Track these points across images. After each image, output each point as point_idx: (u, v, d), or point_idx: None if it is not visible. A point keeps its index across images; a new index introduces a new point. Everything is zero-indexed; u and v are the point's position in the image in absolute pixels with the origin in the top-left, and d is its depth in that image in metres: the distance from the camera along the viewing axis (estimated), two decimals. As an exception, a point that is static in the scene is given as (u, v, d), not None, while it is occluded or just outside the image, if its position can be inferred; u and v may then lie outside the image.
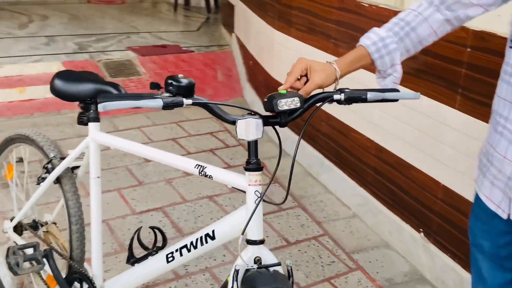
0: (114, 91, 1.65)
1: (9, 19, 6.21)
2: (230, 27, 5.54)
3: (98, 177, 1.73)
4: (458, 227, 2.27)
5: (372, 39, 1.35)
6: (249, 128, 1.20)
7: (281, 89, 1.24)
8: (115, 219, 2.81)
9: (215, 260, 2.53)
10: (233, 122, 1.22)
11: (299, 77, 1.29)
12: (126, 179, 3.23)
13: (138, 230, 1.64)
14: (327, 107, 3.18)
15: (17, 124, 3.92)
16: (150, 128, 4.00)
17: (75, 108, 4.46)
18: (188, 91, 1.20)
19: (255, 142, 1.28)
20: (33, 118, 4.06)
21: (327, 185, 3.26)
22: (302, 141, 3.48)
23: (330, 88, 1.32)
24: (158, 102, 1.12)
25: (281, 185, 3.25)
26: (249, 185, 1.28)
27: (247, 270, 1.26)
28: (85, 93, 1.68)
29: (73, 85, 1.69)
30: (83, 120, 1.72)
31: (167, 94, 1.18)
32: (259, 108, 4.12)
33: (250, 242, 1.28)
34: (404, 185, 2.59)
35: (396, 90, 1.29)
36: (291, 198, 3.12)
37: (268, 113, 1.26)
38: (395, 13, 2.50)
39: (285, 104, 1.18)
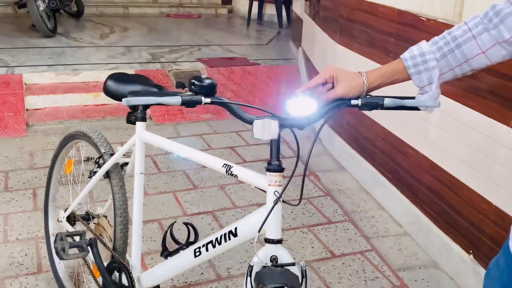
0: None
1: (93, 30, 6.65)
2: (298, 42, 5.61)
3: (141, 173, 1.83)
4: (509, 251, 2.17)
5: (412, 53, 1.28)
6: (264, 128, 1.25)
7: (298, 92, 1.27)
8: (167, 219, 2.93)
9: (257, 265, 2.57)
10: (250, 122, 1.27)
11: (324, 83, 1.32)
12: (183, 182, 3.36)
13: (171, 225, 1.72)
14: (383, 122, 3.16)
15: (89, 126, 4.18)
16: (210, 135, 4.12)
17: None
18: (209, 90, 1.26)
19: (277, 143, 1.32)
20: (105, 122, 4.32)
21: (380, 201, 3.21)
22: (358, 155, 3.46)
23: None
24: (177, 99, 1.19)
25: (333, 198, 3.24)
26: (269, 185, 1.32)
27: (263, 267, 1.30)
28: (134, 95, 1.79)
29: (123, 86, 1.80)
30: (131, 120, 1.83)
31: (189, 93, 1.26)
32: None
33: (268, 240, 1.32)
34: (456, 204, 2.51)
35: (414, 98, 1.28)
36: (342, 212, 3.11)
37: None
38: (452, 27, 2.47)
39: (299, 107, 1.22)
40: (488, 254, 2.31)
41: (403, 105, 1.26)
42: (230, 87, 4.90)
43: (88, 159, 2.27)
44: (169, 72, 4.96)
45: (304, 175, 1.30)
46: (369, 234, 2.90)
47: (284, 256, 1.31)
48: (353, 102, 1.27)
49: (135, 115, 1.82)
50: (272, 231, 1.31)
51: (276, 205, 1.29)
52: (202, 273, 2.51)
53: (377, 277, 2.54)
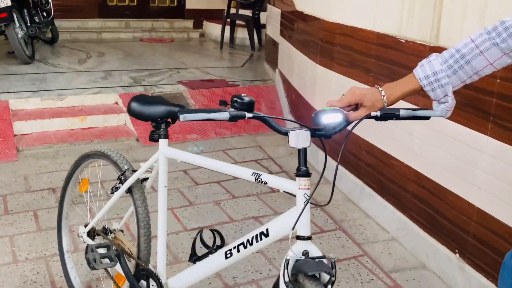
0: (182, 112, 1.91)
1: (70, 55, 6.73)
2: (273, 63, 5.86)
3: (165, 186, 1.99)
4: (492, 248, 2.41)
5: (425, 72, 1.43)
6: (298, 139, 1.44)
7: (326, 106, 1.47)
8: (169, 235, 3.06)
9: (261, 273, 2.73)
10: (286, 133, 1.46)
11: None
12: (178, 200, 3.49)
13: (200, 231, 1.87)
14: (367, 136, 3.40)
15: (78, 149, 4.27)
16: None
17: (130, 136, 4.90)
18: (249, 107, 1.45)
19: (305, 151, 1.50)
20: (92, 144, 4.41)
21: (367, 210, 3.43)
22: (343, 168, 3.68)
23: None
24: (226, 115, 1.37)
25: (323, 209, 3.44)
26: (299, 188, 1.50)
27: (296, 261, 1.47)
28: (156, 114, 1.95)
29: (147, 107, 1.96)
30: (154, 137, 1.99)
31: (232, 110, 1.44)
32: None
33: (299, 237, 1.49)
34: (441, 209, 2.74)
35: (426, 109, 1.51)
36: (332, 221, 3.30)
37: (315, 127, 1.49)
38: (430, 48, 2.73)
39: (328, 119, 1.42)
40: (473, 252, 2.54)
41: (416, 116, 1.48)
42: (213, 107, 5.07)
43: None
44: (153, 95, 5.10)
45: (335, 180, 1.48)
46: (359, 241, 3.10)
47: (314, 251, 1.49)
48: (373, 114, 1.48)
49: (158, 133, 1.98)
50: (303, 229, 1.49)
51: (306, 206, 1.47)
52: (210, 283, 2.64)
53: (372, 279, 2.73)
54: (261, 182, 1.60)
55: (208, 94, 5.25)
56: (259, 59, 7.15)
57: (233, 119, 1.39)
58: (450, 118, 2.59)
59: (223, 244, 1.85)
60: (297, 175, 1.50)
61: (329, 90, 3.84)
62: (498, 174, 2.35)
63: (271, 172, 3.98)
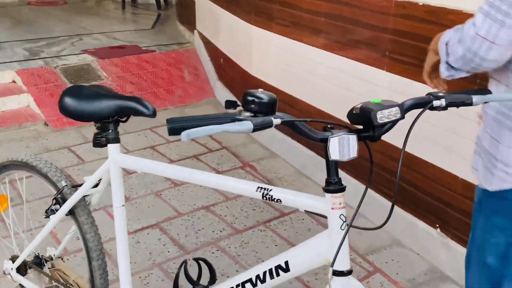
0: (140, 107, 1.43)
1: None
2: (189, 24, 5.31)
3: (123, 205, 1.52)
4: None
5: None
6: (344, 146, 1.04)
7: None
8: (109, 242, 2.56)
9: None
10: (324, 141, 1.06)
11: None
12: (110, 196, 2.97)
13: (184, 263, 1.44)
14: (320, 104, 3.08)
15: (30, 153, 3.55)
16: (123, 136, 3.72)
17: (37, 120, 4.12)
18: (271, 108, 1.02)
19: (332, 155, 1.12)
20: (-9, 135, 3.70)
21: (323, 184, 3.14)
22: (290, 140, 3.36)
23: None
24: (249, 126, 0.93)
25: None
26: (332, 208, 1.12)
27: (338, 305, 1.11)
28: (103, 111, 1.46)
29: (88, 103, 1.46)
30: (100, 142, 1.50)
31: (248, 114, 1.01)
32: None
33: (336, 273, 1.13)
34: (419, 183, 2.51)
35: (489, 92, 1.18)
36: (290, 201, 2.98)
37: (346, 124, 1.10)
38: (397, 3, 2.42)
39: (385, 116, 1.04)
40: (456, 225, 2.35)
41: (492, 100, 1.15)
42: (129, 79, 4.48)
43: None
44: (56, 69, 4.39)
45: (396, 194, 1.12)
46: (325, 221, 2.81)
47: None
48: (436, 103, 1.11)
49: (105, 136, 1.49)
50: (342, 262, 1.13)
51: (346, 234, 1.10)
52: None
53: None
54: (271, 200, 1.20)
55: (121, 64, 4.63)
56: (169, 20, 6.52)
57: (258, 129, 0.95)
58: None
59: (214, 278, 1.43)
60: (328, 190, 1.12)
61: (269, 54, 3.44)
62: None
63: (210, 150, 3.55)
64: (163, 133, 3.79)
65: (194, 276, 1.46)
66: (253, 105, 1.00)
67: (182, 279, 1.45)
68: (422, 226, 2.53)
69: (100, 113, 1.46)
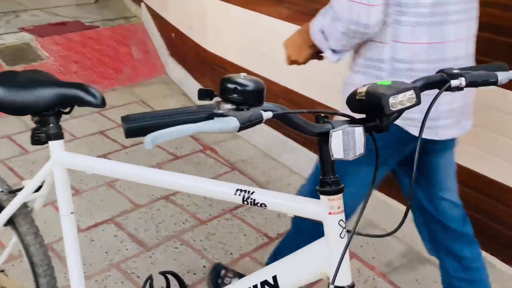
0: (85, 95, 1.19)
1: None
2: (135, -4, 4.97)
3: (71, 213, 1.28)
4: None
5: None
6: (349, 142, 0.84)
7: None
8: (59, 242, 2.31)
9: None
10: (323, 135, 0.86)
11: None
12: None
13: (149, 279, 1.22)
14: (284, 81, 2.87)
15: None
16: (69, 122, 3.42)
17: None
18: (257, 97, 0.81)
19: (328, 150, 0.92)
20: None
21: (292, 166, 2.97)
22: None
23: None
24: (232, 123, 0.71)
25: (241, 171, 2.91)
26: (329, 213, 0.93)
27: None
28: (41, 103, 1.20)
29: (22, 93, 1.20)
30: (39, 138, 1.25)
31: (229, 106, 0.79)
32: (191, 86, 3.70)
33: (338, 289, 0.95)
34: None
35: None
36: (256, 185, 2.80)
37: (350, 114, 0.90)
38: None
39: (398, 103, 0.83)
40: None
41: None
42: (73, 58, 4.13)
43: None
44: (-10, 50, 3.99)
45: (411, 201, 0.93)
46: (261, 179, 2.65)
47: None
48: (455, 83, 0.92)
49: (45, 131, 1.24)
50: (343, 276, 0.94)
51: (348, 244, 0.91)
52: (133, 302, 2.02)
53: (325, 253, 2.31)
54: (254, 204, 1.00)
55: (63, 42, 4.27)
56: (113, -8, 6.11)
57: (245, 127, 0.73)
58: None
59: (185, 292, 1.23)
60: (324, 192, 0.93)
61: (226, 28, 3.19)
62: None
63: (166, 133, 3.30)
64: (113, 116, 3.50)
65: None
66: (235, 95, 0.79)
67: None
68: (396, 205, 2.40)
69: (37, 104, 1.21)
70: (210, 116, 0.75)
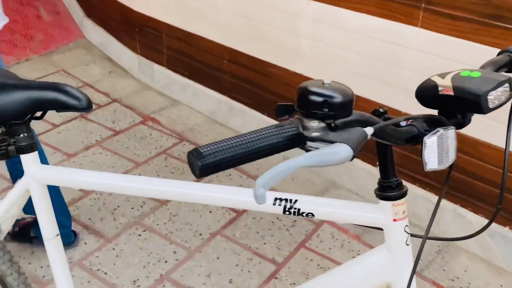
0: (68, 99, 0.98)
1: None
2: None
3: (57, 234, 1.09)
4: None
5: None
6: (443, 148, 0.72)
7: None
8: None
9: None
10: (414, 141, 0.73)
11: None
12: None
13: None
14: (231, 43, 2.68)
15: None
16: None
17: None
18: (347, 108, 0.67)
19: (391, 148, 0.82)
20: None
21: (241, 130, 2.84)
22: (196, 84, 2.97)
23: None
24: (345, 152, 0.57)
25: (190, 141, 2.74)
26: (394, 220, 0.83)
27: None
28: (8, 110, 0.97)
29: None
30: (7, 153, 1.03)
31: (316, 123, 0.64)
32: (115, 49, 3.39)
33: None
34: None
35: None
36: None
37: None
38: None
39: (496, 98, 0.73)
40: (397, 159, 2.22)
41: None
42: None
43: None
44: None
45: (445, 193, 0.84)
46: (252, 172, 2.55)
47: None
48: None
49: (13, 143, 1.02)
50: (412, 285, 0.86)
51: (420, 254, 0.82)
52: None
53: (295, 220, 2.26)
54: (299, 214, 0.88)
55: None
56: None
57: (355, 155, 0.59)
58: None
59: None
60: (386, 197, 0.82)
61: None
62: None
63: (98, 105, 3.02)
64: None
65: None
66: (325, 109, 0.64)
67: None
68: (360, 164, 2.38)
69: (3, 113, 0.97)
70: (299, 139, 0.60)
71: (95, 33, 3.69)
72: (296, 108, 0.67)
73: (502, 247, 2.04)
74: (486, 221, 2.05)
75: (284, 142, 0.62)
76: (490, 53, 1.32)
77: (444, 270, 2.04)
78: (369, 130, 0.64)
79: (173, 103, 3.09)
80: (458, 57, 1.87)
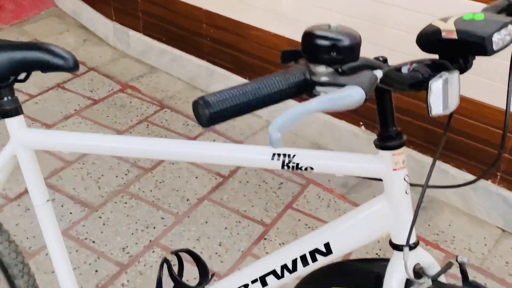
0: (53, 59, 0.94)
1: None
2: None
3: (48, 200, 1.07)
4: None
5: None
6: (447, 92, 0.72)
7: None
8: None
9: None
10: (420, 86, 0.72)
11: None
12: None
13: (165, 260, 1.06)
14: (207, 4, 2.62)
15: None
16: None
17: None
18: (355, 52, 0.65)
19: (390, 98, 0.81)
20: None
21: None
22: (174, 49, 2.91)
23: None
24: (358, 94, 0.56)
25: (173, 109, 2.70)
26: (394, 170, 0.83)
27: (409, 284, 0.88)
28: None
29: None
30: (-8, 117, 0.99)
31: (323, 68, 0.62)
32: (89, 17, 3.29)
33: (398, 247, 0.87)
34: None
35: None
36: (193, 123, 2.62)
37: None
38: None
39: (501, 40, 0.72)
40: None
41: None
42: None
43: None
44: None
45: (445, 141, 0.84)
46: (237, 137, 2.54)
47: (427, 260, 0.89)
48: None
49: (-1, 107, 0.99)
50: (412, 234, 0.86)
51: (421, 202, 0.83)
52: None
53: (282, 183, 2.26)
54: (298, 168, 0.87)
55: None
56: None
57: (368, 98, 0.58)
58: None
59: (206, 274, 1.08)
60: (386, 147, 0.82)
61: None
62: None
63: (75, 75, 2.94)
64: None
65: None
66: (333, 53, 0.62)
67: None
68: (344, 125, 2.38)
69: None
70: (307, 85, 0.59)
71: (67, 1, 3.57)
72: (302, 53, 0.65)
73: (484, 201, 2.08)
74: (468, 175, 2.10)
75: (292, 88, 0.61)
76: (476, 8, 1.31)
77: (429, 225, 2.08)
78: (379, 73, 0.62)
79: (152, 70, 3.03)
80: (444, 14, 1.87)
